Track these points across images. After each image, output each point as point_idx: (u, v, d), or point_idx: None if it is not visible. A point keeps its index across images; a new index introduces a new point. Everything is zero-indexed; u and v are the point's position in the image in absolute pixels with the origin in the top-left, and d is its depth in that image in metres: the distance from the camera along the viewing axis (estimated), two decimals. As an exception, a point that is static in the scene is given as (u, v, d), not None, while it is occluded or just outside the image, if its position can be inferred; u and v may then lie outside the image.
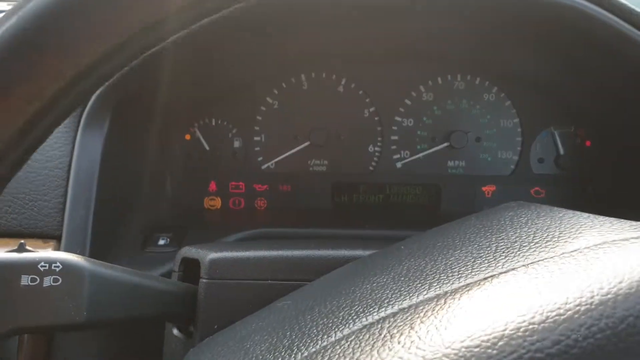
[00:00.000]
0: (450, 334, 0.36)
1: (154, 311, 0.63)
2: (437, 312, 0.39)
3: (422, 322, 0.39)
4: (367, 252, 0.68)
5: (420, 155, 1.23)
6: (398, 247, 0.59)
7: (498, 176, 1.25)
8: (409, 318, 0.40)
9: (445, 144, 1.22)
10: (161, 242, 0.97)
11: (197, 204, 1.22)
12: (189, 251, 0.71)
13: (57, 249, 0.83)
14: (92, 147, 0.87)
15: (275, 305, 0.59)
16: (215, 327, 0.65)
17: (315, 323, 0.47)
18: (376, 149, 1.24)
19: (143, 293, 0.62)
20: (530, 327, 0.34)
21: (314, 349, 0.43)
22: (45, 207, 0.84)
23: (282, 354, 0.45)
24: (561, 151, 1.24)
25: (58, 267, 0.55)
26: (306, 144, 1.22)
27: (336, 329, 0.44)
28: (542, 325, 0.34)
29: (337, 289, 0.54)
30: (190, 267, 0.71)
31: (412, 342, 0.37)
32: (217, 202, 1.23)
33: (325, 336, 0.44)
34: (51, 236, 0.84)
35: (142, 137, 1.03)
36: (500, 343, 0.34)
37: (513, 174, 1.25)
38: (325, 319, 0.47)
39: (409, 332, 0.38)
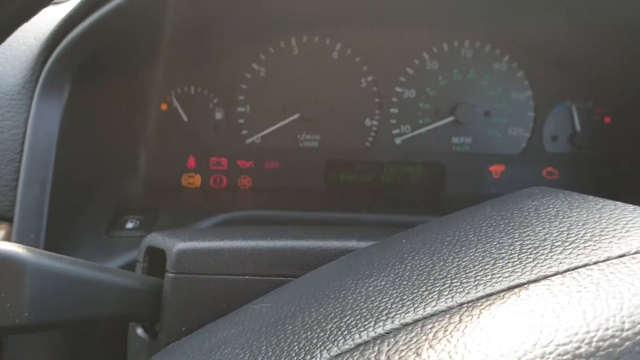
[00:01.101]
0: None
1: (111, 311, 0.56)
2: (449, 333, 0.32)
3: (430, 346, 0.31)
4: (362, 244, 0.60)
5: (423, 130, 1.15)
6: (398, 240, 0.52)
7: (507, 155, 1.17)
8: (414, 340, 0.33)
9: (450, 119, 1.14)
10: (129, 225, 0.89)
11: (174, 181, 1.14)
12: (155, 239, 0.64)
13: (9, 232, 0.76)
14: (50, 117, 0.79)
15: (251, 308, 0.52)
16: (183, 329, 0.58)
17: (296, 337, 0.40)
18: (374, 123, 1.16)
19: (98, 290, 0.54)
20: (576, 361, 0.27)
21: (294, 373, 0.35)
22: (-5, 185, 0.76)
23: (255, 376, 0.37)
24: (578, 128, 1.17)
25: (-8, 259, 0.48)
26: (296, 116, 1.14)
27: (322, 347, 0.37)
28: (592, 359, 0.27)
29: (325, 291, 0.46)
30: (157, 257, 0.64)
31: (418, 374, 0.29)
32: (196, 180, 1.15)
33: (309, 356, 0.36)
34: (2, 218, 0.77)
35: (108, 105, 0.95)
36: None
37: (524, 153, 1.18)
38: (309, 332, 0.40)
39: (415, 361, 0.31)
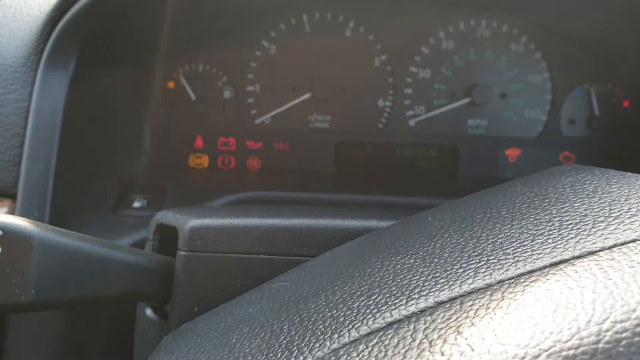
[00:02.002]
0: (516, 342, 0.27)
1: (120, 289, 0.54)
2: (492, 310, 0.30)
3: (472, 324, 0.30)
4: (383, 224, 0.58)
5: (437, 112, 1.13)
6: (424, 218, 0.50)
7: (524, 138, 1.15)
8: (454, 318, 0.31)
9: (466, 100, 1.12)
10: (136, 204, 0.87)
11: (181, 162, 1.12)
12: (166, 216, 0.62)
13: (12, 209, 0.74)
14: (55, 90, 0.77)
15: (269, 287, 0.50)
16: (196, 309, 0.56)
17: (321, 315, 0.38)
18: (387, 103, 1.13)
19: (107, 267, 0.52)
20: (636, 340, 0.25)
21: (320, 353, 0.34)
22: (-2, 160, 0.75)
23: (278, 356, 0.35)
24: (596, 111, 1.14)
25: (-3, 233, 0.46)
26: (306, 96, 1.12)
27: (350, 326, 0.35)
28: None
29: (348, 269, 0.44)
30: (168, 236, 0.62)
31: (460, 353, 0.28)
32: (204, 161, 1.13)
33: (336, 335, 0.35)
34: (5, 194, 0.74)
35: (115, 81, 0.93)
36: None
37: (540, 136, 1.16)
38: (334, 310, 0.38)
39: (456, 339, 0.29)
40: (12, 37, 0.79)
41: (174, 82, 1.11)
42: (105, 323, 0.75)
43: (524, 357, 0.26)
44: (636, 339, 0.25)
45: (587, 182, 0.44)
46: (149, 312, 0.62)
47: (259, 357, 0.36)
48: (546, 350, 0.26)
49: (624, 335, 0.25)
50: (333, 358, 0.32)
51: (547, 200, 0.43)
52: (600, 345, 0.25)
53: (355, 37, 1.11)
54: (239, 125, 1.13)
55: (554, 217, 0.39)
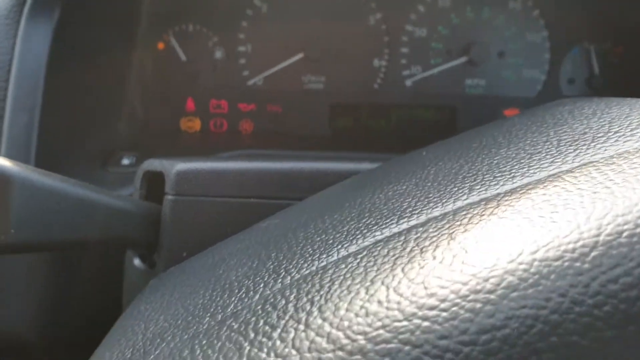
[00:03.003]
0: (511, 242, 0.26)
1: (105, 234, 0.53)
2: (487, 217, 0.29)
3: (466, 229, 0.28)
4: (376, 166, 0.57)
5: (434, 71, 1.11)
6: (417, 153, 0.49)
7: (522, 98, 1.14)
8: (446, 227, 0.30)
9: (464, 59, 1.10)
10: (125, 161, 0.86)
11: (172, 125, 1.10)
12: (152, 164, 0.60)
13: (-4, 164, 0.72)
14: (38, 41, 0.75)
15: (259, 226, 0.49)
16: (184, 254, 0.55)
17: (310, 240, 0.37)
18: (382, 63, 1.12)
19: (91, 210, 0.51)
20: (638, 231, 0.24)
21: (307, 271, 0.32)
22: (-20, 114, 0.73)
23: (265, 279, 0.34)
24: (596, 70, 1.13)
25: (-26, 171, 0.45)
26: (299, 56, 1.10)
27: (339, 246, 0.34)
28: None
29: (339, 202, 0.43)
30: (155, 185, 0.61)
31: (454, 256, 0.26)
32: (196, 124, 1.11)
33: (324, 255, 0.33)
34: (-12, 148, 0.73)
35: (101, 37, 0.91)
36: (592, 254, 0.24)
37: (539, 96, 1.14)
38: (323, 235, 0.37)
39: (449, 244, 0.28)
40: (-7, -11, 0.77)
41: (164, 43, 1.09)
42: (92, 273, 0.74)
43: (520, 254, 0.25)
44: (638, 229, 0.24)
45: (586, 107, 0.43)
46: (136, 261, 0.61)
47: (245, 281, 0.35)
48: (544, 245, 0.25)
49: (625, 227, 0.24)
50: (321, 272, 0.31)
51: (544, 125, 0.42)
52: (601, 237, 0.24)
53: (349, -5, 1.10)
54: (231, 86, 1.11)
55: (551, 138, 0.38)
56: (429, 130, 1.12)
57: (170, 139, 1.06)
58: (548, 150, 0.36)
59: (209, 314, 0.33)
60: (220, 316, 0.32)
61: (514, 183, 0.33)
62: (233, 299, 0.34)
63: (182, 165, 0.56)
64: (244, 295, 0.34)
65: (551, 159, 0.34)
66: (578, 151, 0.34)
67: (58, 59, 0.77)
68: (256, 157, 0.63)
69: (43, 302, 0.71)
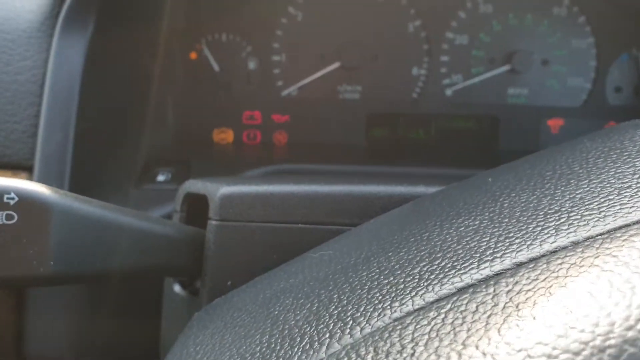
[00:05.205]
0: (621, 303, 0.23)
1: (146, 263, 0.51)
2: (586, 268, 0.26)
3: (565, 285, 0.26)
4: (432, 190, 0.54)
5: (476, 80, 1.08)
6: (481, 179, 0.46)
7: (567, 108, 1.10)
8: (542, 278, 0.27)
9: (506, 67, 1.07)
10: (161, 177, 0.84)
11: (205, 136, 1.08)
12: (195, 185, 0.58)
13: (30, 183, 0.71)
14: (72, 56, 0.74)
15: (310, 257, 0.47)
16: (229, 283, 0.53)
17: (376, 283, 0.34)
18: (422, 72, 1.09)
19: (132, 238, 0.49)
20: None
21: (380, 323, 0.30)
22: (14, 131, 0.71)
23: (331, 327, 0.32)
24: (645, 78, 1.09)
25: (12, 199, 0.43)
26: (335, 65, 1.07)
27: (413, 293, 0.31)
28: None
29: (402, 234, 0.40)
30: (197, 207, 0.59)
31: (557, 317, 0.24)
32: (229, 135, 1.09)
33: (397, 303, 0.31)
34: (22, 167, 0.72)
35: (134, 50, 0.89)
36: None
37: (584, 105, 1.11)
38: (391, 277, 0.34)
39: (548, 301, 0.25)
40: (25, 1, 0.76)
41: (197, 52, 1.07)
42: (129, 297, 0.72)
43: (639, 319, 0.22)
44: None
45: (672, 133, 0.40)
46: (177, 288, 0.59)
47: (308, 328, 0.33)
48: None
49: None
50: (399, 327, 0.28)
51: (626, 153, 0.39)
52: None
53: (387, 1, 1.07)
54: (265, 97, 1.09)
55: (639, 170, 0.35)
56: (470, 141, 1.09)
57: (203, 150, 1.04)
58: (639, 184, 0.33)
59: (271, 367, 0.31)
60: (285, 372, 0.30)
61: (606, 225, 0.30)
62: (296, 350, 0.31)
63: (226, 189, 0.54)
64: (307, 346, 0.31)
65: (647, 197, 0.31)
66: (678, 188, 0.31)
67: (91, 73, 0.75)
68: (300, 177, 0.60)
69: (79, 328, 0.69)
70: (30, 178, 0.70)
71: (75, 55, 0.74)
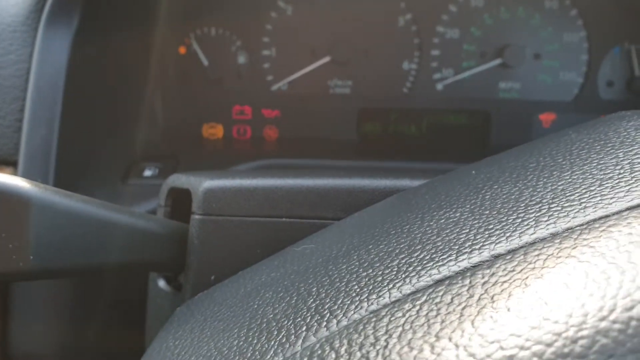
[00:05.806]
0: (599, 294, 0.23)
1: (129, 257, 0.50)
2: (563, 259, 0.26)
3: (541, 275, 0.25)
4: (416, 183, 0.54)
5: (467, 74, 1.08)
6: (465, 172, 0.46)
7: (558, 102, 1.10)
8: (518, 270, 0.26)
9: (498, 61, 1.07)
10: (147, 172, 0.83)
11: (194, 131, 1.08)
12: (179, 180, 0.58)
13: (14, 178, 0.70)
14: (57, 50, 0.73)
15: (293, 250, 0.46)
16: (212, 278, 0.52)
17: (355, 275, 0.34)
18: (412, 66, 1.08)
19: (114, 233, 0.48)
20: None
21: (356, 315, 0.29)
22: (-2, 126, 0.71)
23: (308, 320, 0.31)
24: (637, 72, 1.09)
25: (-10, 193, 0.42)
26: (326, 59, 1.07)
27: (390, 285, 0.31)
28: None
29: (382, 227, 0.40)
30: (181, 201, 0.58)
31: (532, 309, 0.23)
32: (218, 130, 1.09)
33: (374, 296, 0.30)
34: (6, 162, 0.71)
35: (121, 42, 0.88)
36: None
37: (576, 100, 1.10)
38: (370, 270, 0.34)
39: (524, 292, 0.24)
40: (10, -6, 0.75)
41: (186, 47, 1.06)
42: (114, 295, 0.71)
43: (612, 310, 0.22)
44: None
45: (656, 124, 0.39)
46: (161, 283, 0.58)
47: (285, 322, 0.32)
48: (628, 310, 0.21)
49: None
50: (374, 319, 0.28)
51: (609, 144, 0.38)
52: None
53: (378, -5, 1.06)
54: (255, 92, 1.08)
55: (622, 161, 0.35)
56: (461, 136, 1.08)
57: (192, 146, 1.04)
58: (621, 175, 0.33)
59: (246, 361, 0.31)
60: (259, 365, 0.29)
61: (586, 215, 0.30)
62: (273, 343, 0.31)
63: (209, 183, 0.53)
64: (284, 339, 0.31)
65: (627, 187, 0.31)
66: (658, 179, 0.31)
67: (77, 67, 0.75)
68: (285, 171, 0.60)
69: (65, 327, 0.69)
70: (15, 173, 0.70)
71: (60, 49, 0.74)
